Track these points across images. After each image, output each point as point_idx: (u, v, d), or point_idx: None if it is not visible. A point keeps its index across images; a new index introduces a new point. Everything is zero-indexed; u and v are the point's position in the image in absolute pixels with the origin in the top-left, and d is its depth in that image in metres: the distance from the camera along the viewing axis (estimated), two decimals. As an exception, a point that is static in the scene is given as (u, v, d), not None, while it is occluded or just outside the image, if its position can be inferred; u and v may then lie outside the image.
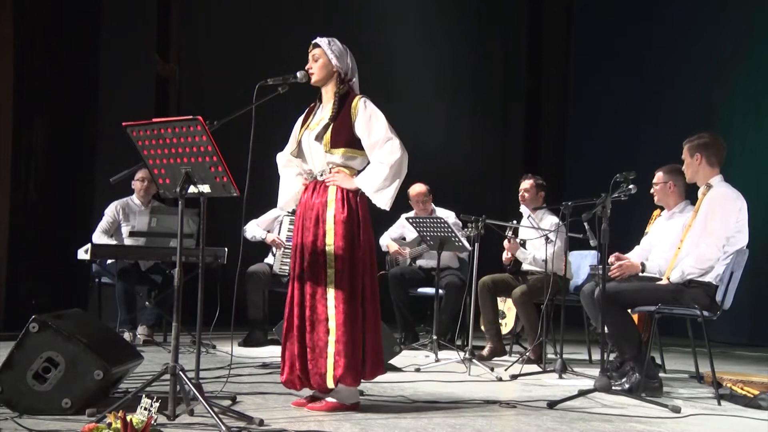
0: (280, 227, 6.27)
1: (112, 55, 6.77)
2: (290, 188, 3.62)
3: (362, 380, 3.39)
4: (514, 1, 10.95)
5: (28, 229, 6.13)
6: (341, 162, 3.42)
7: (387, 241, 6.50)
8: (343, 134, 3.39)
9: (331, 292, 3.31)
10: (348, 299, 3.29)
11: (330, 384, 3.29)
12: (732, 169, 6.31)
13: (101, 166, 6.42)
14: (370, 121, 3.38)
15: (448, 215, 6.23)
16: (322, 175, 3.45)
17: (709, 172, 4.34)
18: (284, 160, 3.66)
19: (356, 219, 3.37)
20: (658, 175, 4.92)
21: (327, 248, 3.33)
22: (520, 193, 5.80)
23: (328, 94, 3.49)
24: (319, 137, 3.42)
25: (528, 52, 10.98)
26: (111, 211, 5.98)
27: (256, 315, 6.09)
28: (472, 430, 3.07)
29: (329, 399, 3.35)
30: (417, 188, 6.36)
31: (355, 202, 3.39)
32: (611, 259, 4.90)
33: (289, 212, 6.22)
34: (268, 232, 6.30)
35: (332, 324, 3.29)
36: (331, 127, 3.40)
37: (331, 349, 3.28)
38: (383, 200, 3.36)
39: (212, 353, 5.23)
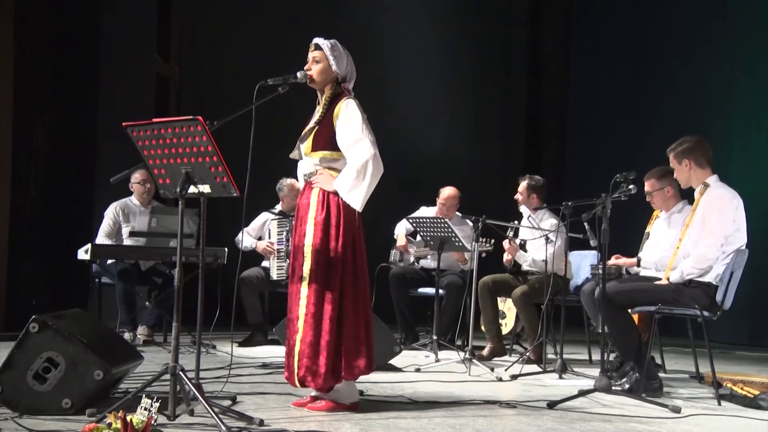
0: (269, 232, 6.26)
1: (112, 55, 6.77)
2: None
3: (341, 379, 3.34)
4: (514, 1, 10.94)
5: (28, 229, 6.13)
6: (323, 164, 3.44)
7: (401, 230, 6.46)
8: (323, 138, 3.41)
9: (304, 291, 3.33)
10: (316, 300, 3.30)
11: (297, 384, 3.32)
12: (732, 169, 6.32)
13: (101, 166, 6.43)
14: (347, 123, 3.39)
15: (464, 226, 6.19)
16: (309, 176, 3.48)
17: (702, 173, 4.33)
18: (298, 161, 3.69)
19: (336, 220, 3.36)
20: (651, 183, 4.89)
21: (305, 248, 3.36)
22: (516, 194, 5.83)
23: (323, 96, 3.50)
24: (302, 140, 3.46)
25: (528, 52, 10.98)
26: (111, 212, 5.97)
27: (255, 319, 6.10)
28: (472, 430, 3.07)
29: (329, 399, 3.35)
30: (447, 191, 6.29)
31: (336, 203, 3.38)
32: (611, 260, 4.91)
33: (275, 215, 6.22)
34: (259, 239, 6.30)
35: (300, 323, 3.32)
36: (314, 131, 3.43)
37: (297, 348, 3.31)
38: (355, 200, 3.34)
39: (212, 353, 5.23)
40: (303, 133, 3.50)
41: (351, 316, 3.35)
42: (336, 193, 3.38)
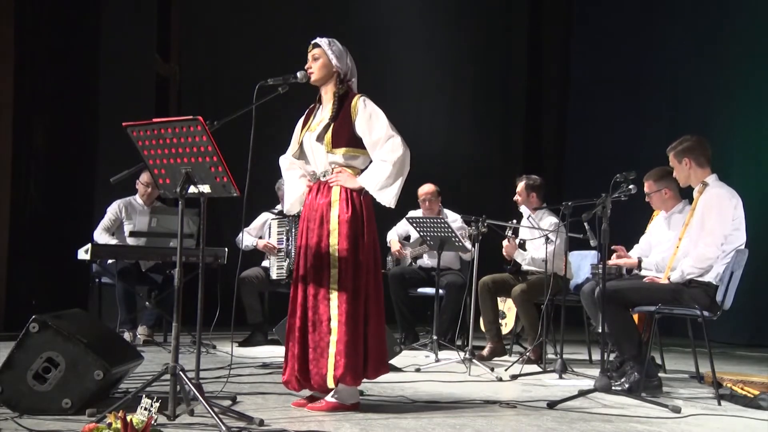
0: (269, 231, 6.26)
1: (112, 55, 6.77)
2: (295, 190, 3.62)
3: (365, 380, 3.39)
4: (514, 1, 10.94)
5: (28, 229, 6.13)
6: (343, 162, 3.42)
7: (393, 237, 6.50)
8: (344, 134, 3.39)
9: (334, 293, 3.31)
10: (350, 299, 3.29)
11: (330, 384, 3.29)
12: (732, 170, 6.32)
13: (101, 166, 6.42)
14: (370, 119, 3.39)
15: (454, 219, 6.22)
16: (324, 175, 3.45)
17: (701, 173, 4.33)
18: (287, 162, 3.66)
19: (360, 219, 3.37)
20: (649, 184, 4.89)
21: (330, 248, 3.33)
22: (515, 196, 5.84)
23: (328, 94, 3.49)
24: (320, 138, 3.42)
25: (528, 51, 10.98)
26: (114, 209, 5.98)
27: (254, 319, 6.09)
28: (472, 430, 3.07)
29: (329, 399, 3.35)
30: (426, 187, 6.36)
31: (359, 201, 3.39)
32: (612, 260, 4.90)
33: (275, 215, 6.23)
34: (260, 238, 6.30)
35: (334, 324, 3.29)
36: (331, 127, 3.40)
37: (332, 349, 3.28)
38: (387, 198, 3.36)
39: (212, 353, 5.23)
40: (312, 132, 3.46)
41: (375, 315, 3.37)
42: (359, 191, 3.38)
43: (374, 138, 3.38)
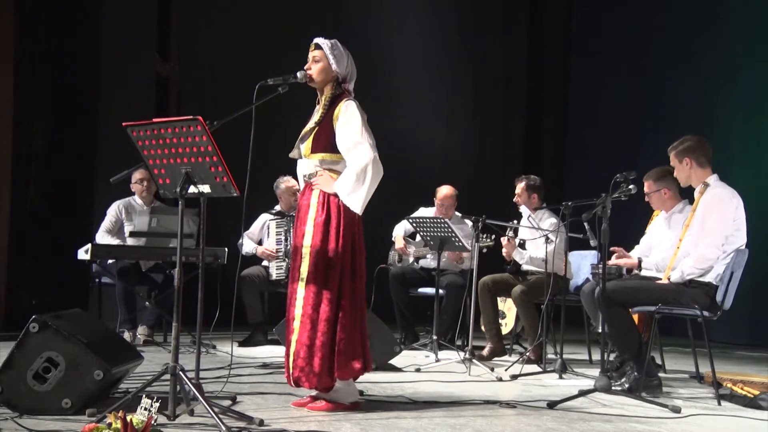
0: (268, 232, 6.26)
1: (112, 55, 6.77)
2: None
3: (335, 379, 3.33)
4: (514, 1, 10.94)
5: (28, 229, 6.13)
6: (323, 166, 3.43)
7: (399, 232, 6.47)
8: (323, 139, 3.40)
9: (301, 292, 3.33)
10: (314, 301, 3.30)
11: (292, 384, 3.32)
12: (732, 170, 6.31)
13: (101, 166, 6.43)
14: (346, 125, 3.37)
15: (463, 225, 6.19)
16: (309, 177, 3.47)
17: (702, 173, 4.34)
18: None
19: (335, 222, 3.36)
20: (648, 184, 4.89)
21: (304, 249, 3.36)
22: (515, 197, 5.84)
23: (323, 96, 3.49)
24: (302, 141, 3.46)
25: (528, 52, 10.97)
26: (113, 210, 5.98)
27: (255, 318, 6.09)
28: (472, 430, 3.07)
29: (329, 399, 3.35)
30: (444, 191, 6.30)
31: (336, 205, 3.37)
32: (612, 259, 4.90)
33: (273, 216, 6.23)
34: (259, 242, 6.31)
35: (296, 324, 3.32)
36: (314, 132, 3.42)
37: (292, 349, 3.31)
38: (355, 204, 3.32)
39: (212, 353, 5.23)
40: (303, 133, 3.49)
41: (349, 317, 3.34)
42: (336, 195, 3.38)
43: (346, 145, 3.37)
